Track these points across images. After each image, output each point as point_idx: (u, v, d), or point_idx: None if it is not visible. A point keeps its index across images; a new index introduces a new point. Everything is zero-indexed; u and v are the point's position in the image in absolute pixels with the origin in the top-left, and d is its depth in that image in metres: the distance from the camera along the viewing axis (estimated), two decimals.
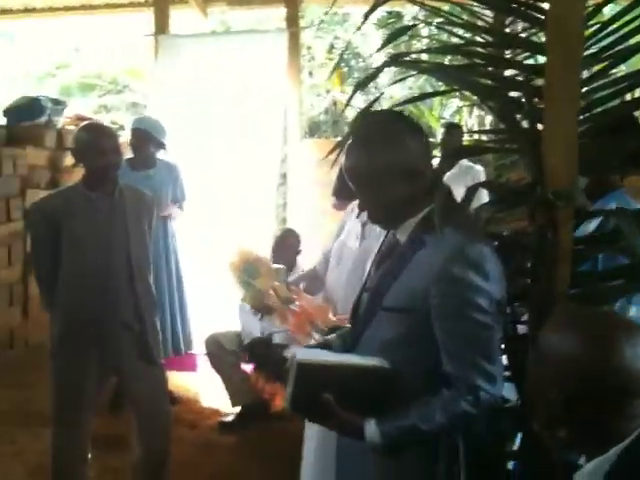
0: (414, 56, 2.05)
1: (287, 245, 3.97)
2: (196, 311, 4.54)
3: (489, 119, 7.57)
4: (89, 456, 3.03)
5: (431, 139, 5.53)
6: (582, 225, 1.83)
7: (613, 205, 2.14)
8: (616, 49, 1.78)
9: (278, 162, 5.41)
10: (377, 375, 1.51)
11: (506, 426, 1.84)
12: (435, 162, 1.76)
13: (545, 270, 1.72)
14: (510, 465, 1.95)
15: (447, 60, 5.19)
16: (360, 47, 9.32)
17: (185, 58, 5.44)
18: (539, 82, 1.85)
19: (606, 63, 1.82)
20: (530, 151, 1.77)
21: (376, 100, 2.20)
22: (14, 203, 4.90)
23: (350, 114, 7.84)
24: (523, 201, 1.85)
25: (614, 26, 1.77)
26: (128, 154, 4.12)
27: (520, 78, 1.98)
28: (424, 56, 2.39)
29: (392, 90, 8.62)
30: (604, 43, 1.79)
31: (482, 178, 4.83)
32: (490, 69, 2.09)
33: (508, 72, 2.13)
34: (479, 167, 5.00)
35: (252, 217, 4.89)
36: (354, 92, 1.96)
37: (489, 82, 2.04)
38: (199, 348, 4.37)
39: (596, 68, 1.87)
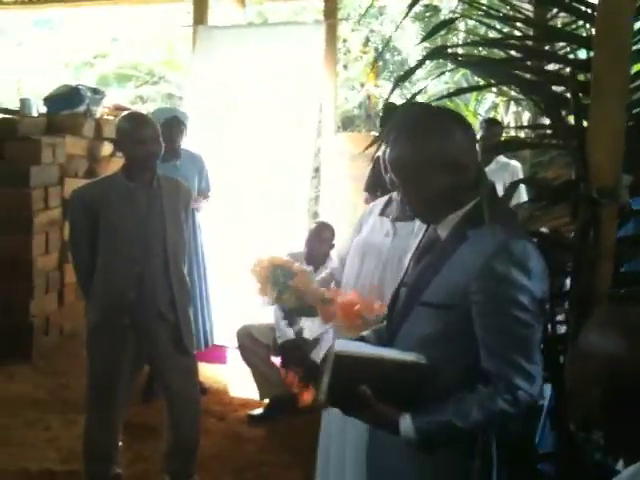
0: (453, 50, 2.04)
1: (322, 238, 3.96)
2: (225, 305, 4.54)
3: (526, 116, 7.45)
4: (120, 443, 3.08)
5: None
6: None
7: None
8: None
9: (311, 155, 5.39)
10: (414, 370, 1.49)
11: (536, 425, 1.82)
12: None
13: (586, 269, 1.69)
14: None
15: (484, 55, 5.12)
16: (395, 40, 9.24)
17: (222, 49, 5.44)
18: (580, 77, 1.82)
19: None
20: (575, 147, 1.74)
21: (417, 94, 2.19)
22: (52, 191, 4.94)
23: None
24: (564, 198, 1.83)
25: None
26: None
27: (564, 72, 1.95)
28: (460, 50, 2.37)
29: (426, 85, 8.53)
30: None
31: (520, 175, 4.74)
32: (529, 63, 2.05)
33: (549, 66, 2.10)
34: (516, 163, 4.90)
35: (285, 210, 4.88)
36: (394, 86, 1.95)
37: (530, 76, 2.01)
38: (229, 341, 4.38)
39: None
